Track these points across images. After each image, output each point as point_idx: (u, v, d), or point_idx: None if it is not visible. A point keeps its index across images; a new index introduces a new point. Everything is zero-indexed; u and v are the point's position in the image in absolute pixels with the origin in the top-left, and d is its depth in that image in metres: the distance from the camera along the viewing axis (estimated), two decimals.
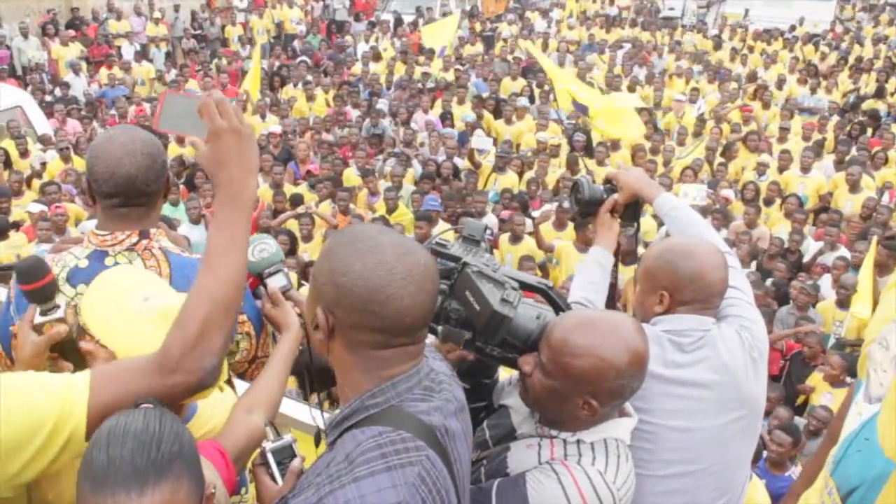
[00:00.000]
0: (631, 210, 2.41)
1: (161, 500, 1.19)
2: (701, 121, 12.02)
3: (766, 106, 13.05)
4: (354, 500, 1.24)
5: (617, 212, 2.40)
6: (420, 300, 1.35)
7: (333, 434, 1.41)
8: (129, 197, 1.94)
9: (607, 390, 1.61)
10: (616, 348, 1.61)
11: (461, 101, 12.69)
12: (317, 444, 1.75)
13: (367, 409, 1.37)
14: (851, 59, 16.89)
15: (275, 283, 2.08)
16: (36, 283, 1.72)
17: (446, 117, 12.18)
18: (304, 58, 16.13)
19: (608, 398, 1.63)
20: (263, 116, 11.87)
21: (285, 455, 1.61)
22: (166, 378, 1.43)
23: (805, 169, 9.77)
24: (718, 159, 10.63)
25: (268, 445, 1.61)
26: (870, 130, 11.95)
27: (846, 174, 9.34)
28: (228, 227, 1.52)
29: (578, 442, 1.69)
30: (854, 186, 9.20)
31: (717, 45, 18.09)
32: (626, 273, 6.07)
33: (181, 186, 9.15)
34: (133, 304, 1.61)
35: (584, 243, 7.55)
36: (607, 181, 2.44)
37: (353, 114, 12.43)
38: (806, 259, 8.06)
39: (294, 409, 2.75)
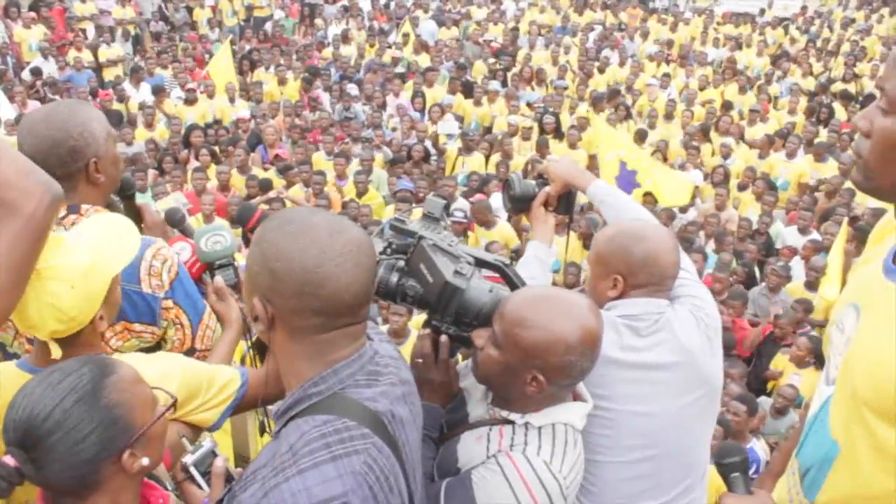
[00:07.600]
0: (564, 202, 2.41)
1: None
2: (671, 103, 12.05)
3: (741, 91, 12.99)
4: (300, 492, 1.21)
5: (550, 204, 2.39)
6: (357, 276, 1.32)
7: (278, 424, 1.38)
8: None
9: (556, 366, 1.60)
10: (567, 324, 1.60)
11: (430, 84, 12.60)
12: (261, 433, 1.73)
13: (311, 398, 1.34)
14: (820, 43, 17.00)
15: (223, 276, 2.09)
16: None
17: (417, 96, 12.12)
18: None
19: (556, 374, 1.62)
20: (233, 100, 11.67)
21: (208, 463, 1.58)
22: None
23: (790, 154, 9.84)
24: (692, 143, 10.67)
25: (188, 459, 1.57)
26: (839, 112, 12.02)
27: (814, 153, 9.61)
28: None
29: (527, 425, 1.68)
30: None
31: (675, 27, 18.01)
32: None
33: (151, 172, 8.98)
34: None
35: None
36: (538, 175, 2.43)
37: (325, 97, 12.30)
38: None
39: None
